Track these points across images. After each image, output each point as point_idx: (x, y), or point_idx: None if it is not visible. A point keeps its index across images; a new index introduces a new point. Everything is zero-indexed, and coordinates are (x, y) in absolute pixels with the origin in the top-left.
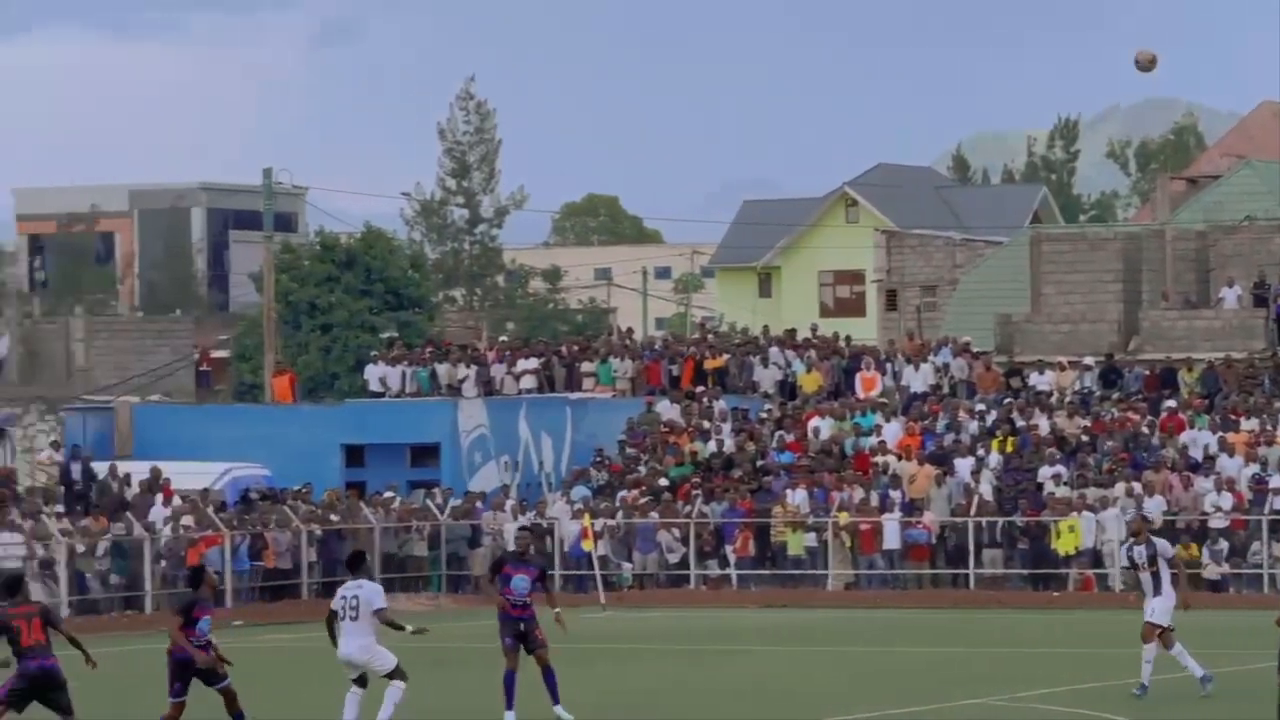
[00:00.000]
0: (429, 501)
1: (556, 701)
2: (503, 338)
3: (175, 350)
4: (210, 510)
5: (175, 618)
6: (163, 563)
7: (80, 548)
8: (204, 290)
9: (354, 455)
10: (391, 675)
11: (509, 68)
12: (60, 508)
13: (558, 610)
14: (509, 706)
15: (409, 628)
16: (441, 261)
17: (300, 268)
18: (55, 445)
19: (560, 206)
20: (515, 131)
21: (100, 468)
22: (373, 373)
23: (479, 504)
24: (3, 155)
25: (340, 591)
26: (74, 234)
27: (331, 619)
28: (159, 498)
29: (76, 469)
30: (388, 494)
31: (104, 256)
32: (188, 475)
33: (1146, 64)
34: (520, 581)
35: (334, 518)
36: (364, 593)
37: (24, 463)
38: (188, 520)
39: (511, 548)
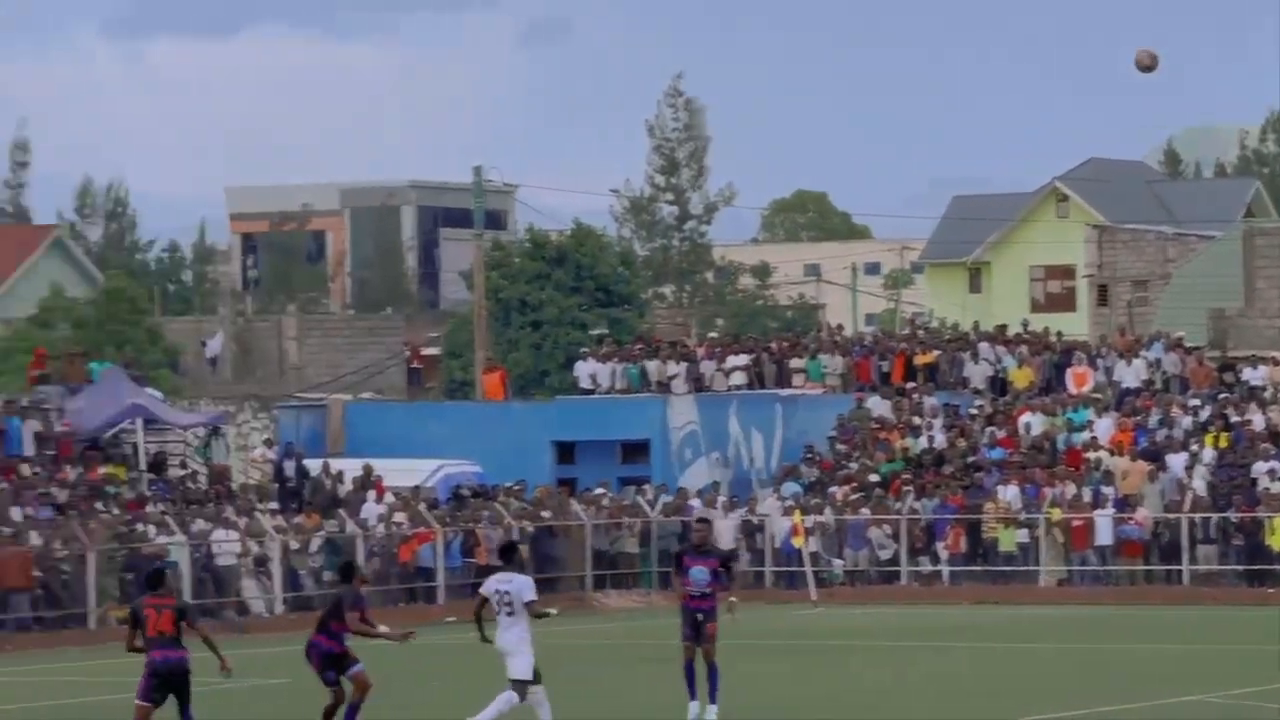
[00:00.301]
0: (639, 498)
1: (713, 702)
2: (712, 334)
3: (386, 348)
4: (422, 507)
5: (353, 613)
6: (375, 560)
7: (294, 545)
8: (414, 288)
9: (565, 452)
10: (517, 682)
11: (718, 64)
12: (274, 505)
13: (732, 599)
14: (691, 697)
15: (553, 611)
16: (651, 258)
17: (510, 265)
18: (268, 443)
19: (769, 203)
20: (724, 128)
21: (313, 465)
22: (583, 369)
23: (694, 501)
24: (215, 154)
25: (493, 584)
26: (286, 232)
27: (481, 606)
28: (371, 495)
29: (290, 466)
30: (598, 490)
31: (315, 255)
32: (399, 472)
33: (1147, 64)
34: (699, 573)
35: (545, 514)
36: (514, 586)
37: (238, 460)
38: (400, 517)
39: (725, 544)
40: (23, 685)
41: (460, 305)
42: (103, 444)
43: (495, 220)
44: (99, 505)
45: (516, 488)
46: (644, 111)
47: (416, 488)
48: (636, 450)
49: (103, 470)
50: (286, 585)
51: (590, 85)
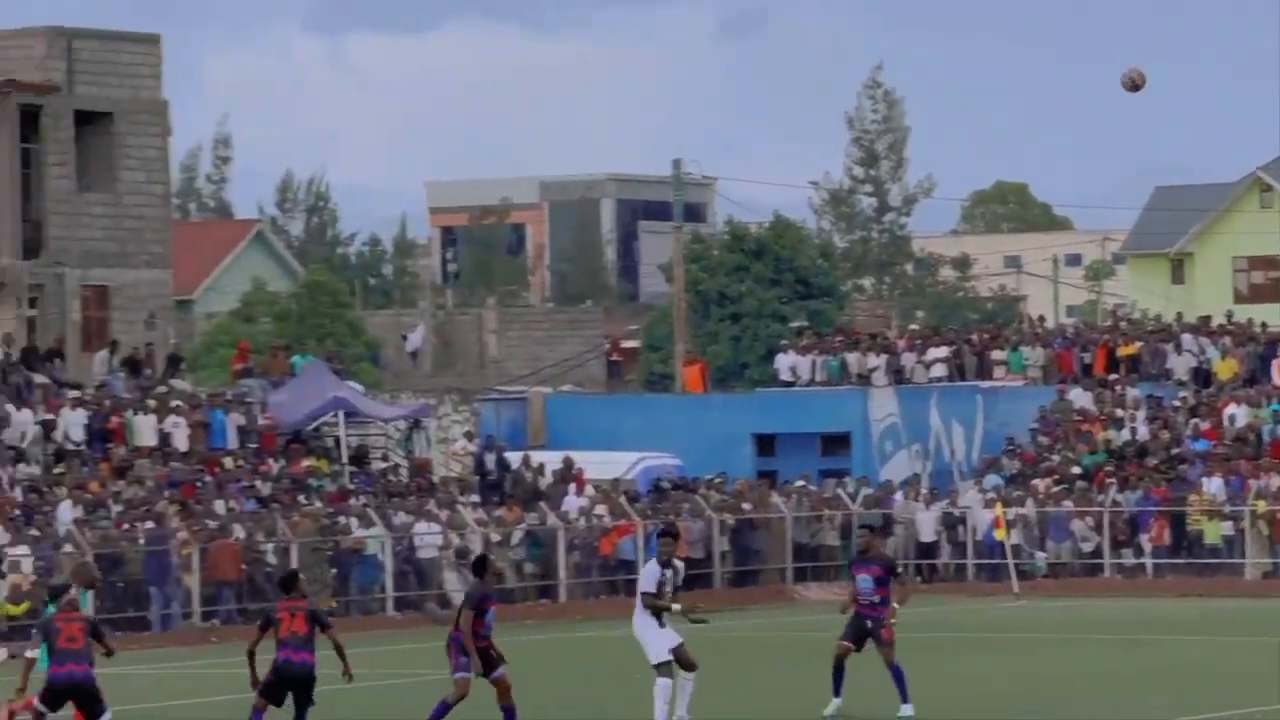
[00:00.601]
0: (840, 491)
1: (905, 701)
2: (913, 326)
3: (586, 341)
4: (623, 500)
5: (468, 611)
6: (576, 552)
7: (495, 537)
8: (614, 281)
9: (765, 444)
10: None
11: (917, 55)
12: (475, 498)
13: (895, 605)
14: (835, 694)
15: (675, 607)
16: (850, 250)
17: (710, 258)
18: (469, 436)
19: (969, 194)
20: (923, 119)
21: (514, 458)
22: (783, 362)
23: (896, 494)
24: (415, 149)
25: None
26: (485, 226)
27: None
28: (572, 487)
29: (491, 459)
30: (799, 483)
31: (515, 248)
32: (600, 465)
33: (1134, 83)
34: (864, 581)
35: (745, 507)
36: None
37: (439, 453)
38: (601, 510)
39: (926, 537)
40: (230, 677)
41: (659, 298)
42: (305, 437)
43: (694, 213)
44: (302, 498)
45: (717, 480)
46: (843, 103)
47: (616, 480)
48: (837, 443)
49: (305, 463)
50: None
51: (788, 77)
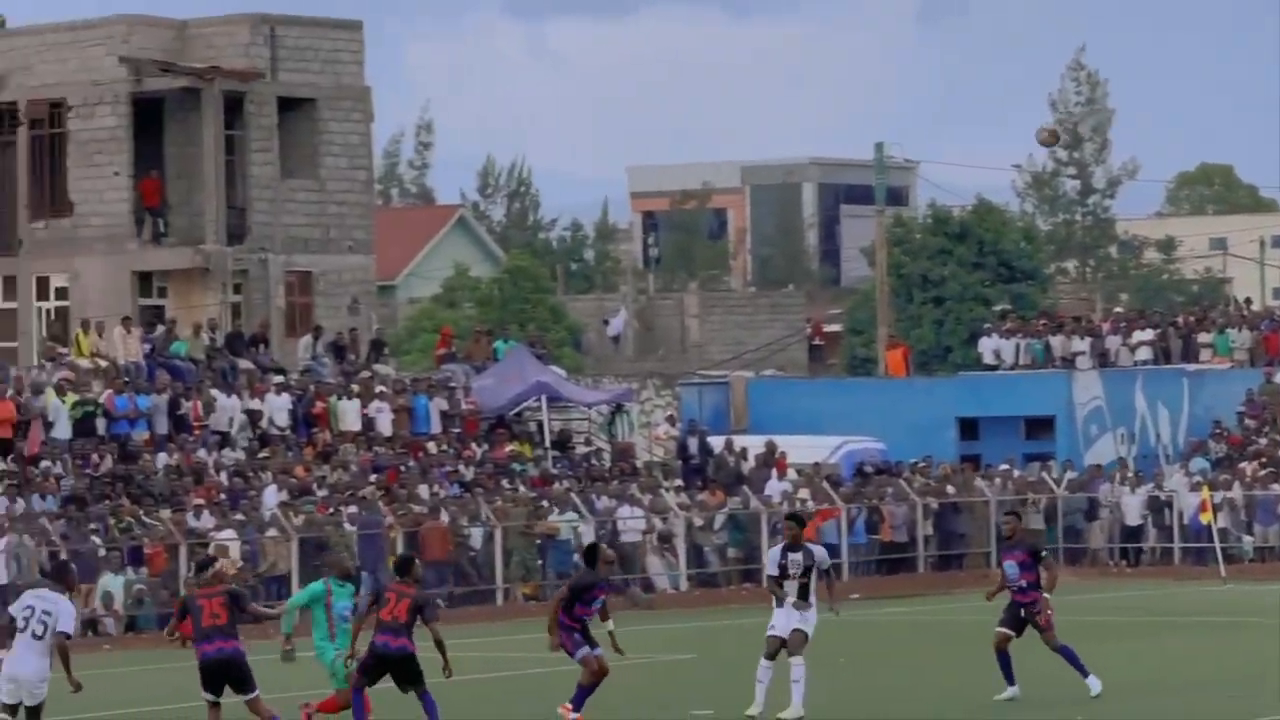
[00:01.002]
0: (1045, 474)
1: (1086, 675)
2: (1117, 309)
3: (787, 325)
4: (826, 484)
5: (563, 595)
6: (779, 536)
7: (698, 521)
8: (815, 265)
9: (968, 428)
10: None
11: (1120, 36)
12: (678, 482)
13: (1045, 596)
14: (1009, 682)
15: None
16: (1053, 233)
17: (912, 241)
18: (671, 420)
19: (1173, 176)
20: (1127, 101)
21: (716, 442)
22: (986, 345)
23: (1102, 480)
24: (616, 133)
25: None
26: (687, 210)
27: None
28: (774, 472)
29: (693, 443)
30: (1003, 467)
31: (716, 232)
32: (802, 449)
33: (1047, 140)
34: (1010, 567)
35: (950, 491)
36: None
37: (642, 438)
38: (804, 494)
39: (1131, 521)
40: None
41: (861, 282)
42: (508, 422)
43: (896, 196)
44: (505, 483)
45: (922, 464)
46: (1045, 85)
47: (818, 464)
48: (1041, 426)
49: (509, 448)
50: (691, 562)
51: (990, 59)
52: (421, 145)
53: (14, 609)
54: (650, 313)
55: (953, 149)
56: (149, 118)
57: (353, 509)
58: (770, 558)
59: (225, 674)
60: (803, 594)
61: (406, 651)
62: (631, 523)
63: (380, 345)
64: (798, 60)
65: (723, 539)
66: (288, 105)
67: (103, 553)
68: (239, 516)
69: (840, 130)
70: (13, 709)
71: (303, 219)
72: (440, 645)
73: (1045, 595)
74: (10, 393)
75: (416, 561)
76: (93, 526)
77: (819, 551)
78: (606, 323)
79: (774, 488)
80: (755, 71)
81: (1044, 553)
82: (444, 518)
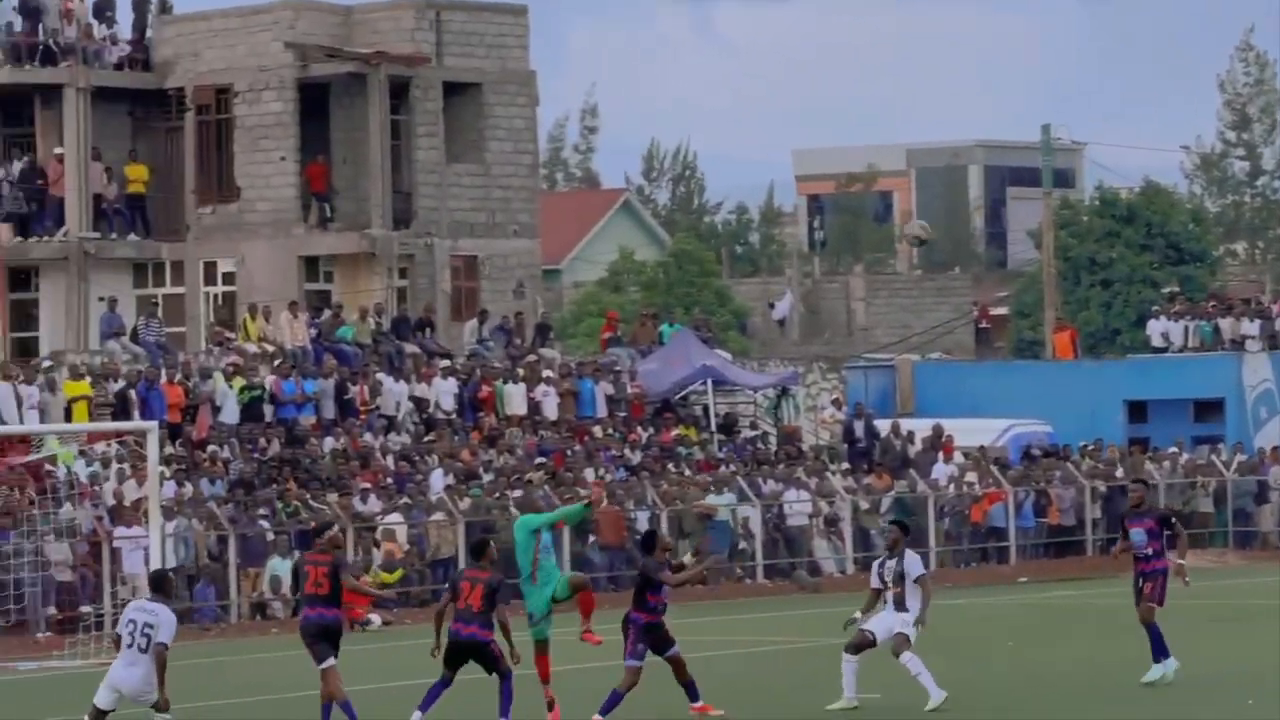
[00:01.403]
0: (1214, 457)
1: (1164, 658)
2: None
3: (954, 308)
4: (993, 467)
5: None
6: (945, 520)
7: (864, 505)
8: (982, 248)
9: (1136, 411)
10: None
11: None
12: (844, 465)
13: (1180, 563)
14: (1157, 658)
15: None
16: (1222, 215)
17: (1079, 224)
18: (837, 403)
19: None
20: None
21: (882, 425)
22: (1154, 328)
23: (1273, 463)
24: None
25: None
26: (852, 194)
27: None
28: (940, 455)
29: (859, 427)
30: (1171, 449)
31: (882, 215)
32: (969, 432)
33: (916, 238)
34: (1137, 534)
35: (1118, 474)
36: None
37: (808, 421)
38: (971, 477)
39: None
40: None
41: (1028, 264)
42: (674, 405)
43: (1063, 178)
44: (671, 467)
45: (1090, 447)
46: (1214, 66)
47: (983, 447)
48: (1210, 409)
49: (675, 432)
50: (857, 545)
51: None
52: (586, 129)
53: (120, 624)
54: (816, 296)
55: (1120, 131)
56: (315, 103)
57: (519, 493)
58: (874, 568)
59: (322, 637)
60: (898, 604)
61: (478, 639)
62: (798, 506)
63: (546, 329)
64: (963, 42)
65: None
66: (453, 90)
67: (270, 536)
68: (405, 500)
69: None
70: (103, 714)
71: (468, 203)
72: (505, 629)
73: (1180, 561)
74: (179, 377)
75: (491, 544)
76: (260, 510)
77: (911, 560)
78: (772, 306)
79: (940, 471)
80: (920, 53)
81: (1173, 519)
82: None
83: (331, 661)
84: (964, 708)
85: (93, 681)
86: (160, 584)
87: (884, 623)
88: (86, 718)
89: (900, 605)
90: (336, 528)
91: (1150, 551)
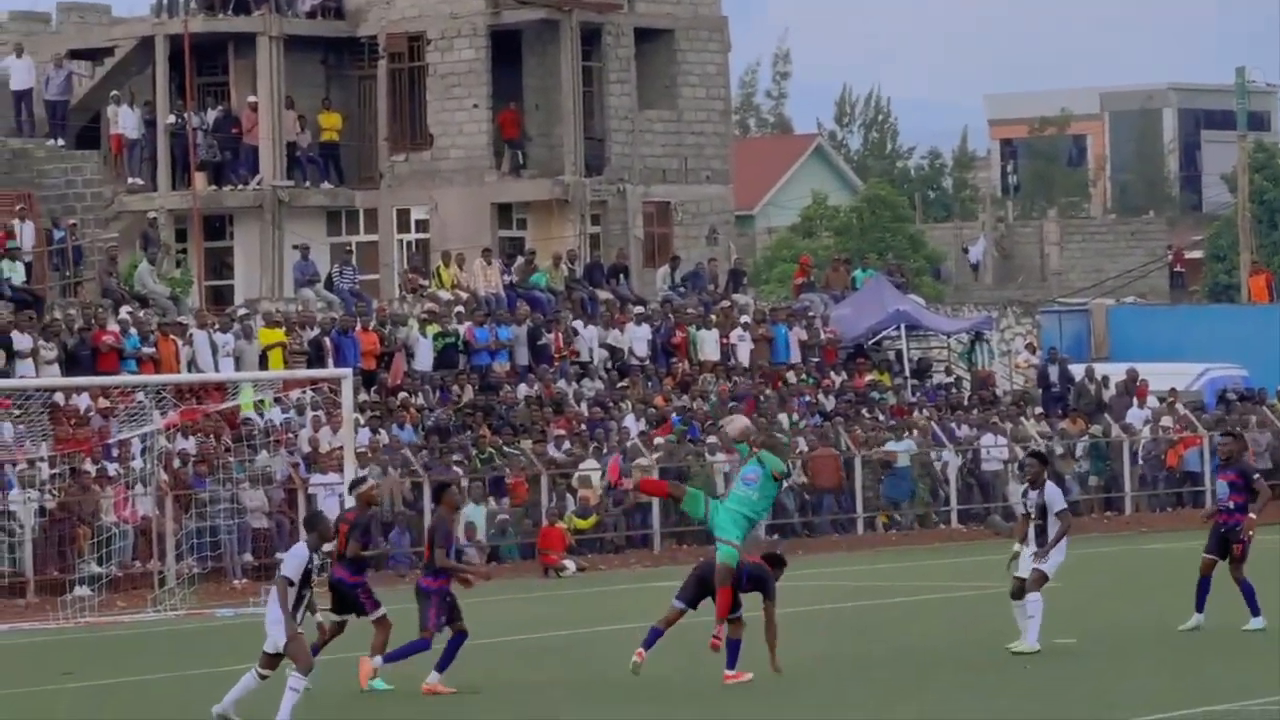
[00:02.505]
0: None
1: (1255, 614)
2: None
3: (1148, 252)
4: (1188, 411)
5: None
6: (1141, 464)
7: (1059, 449)
8: (1176, 191)
9: None
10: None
11: None
12: (1038, 410)
13: (1251, 517)
14: (1197, 610)
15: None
16: None
17: (1274, 167)
18: (1031, 348)
19: None
20: None
21: (1077, 370)
22: None
23: None
24: (973, 61)
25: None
26: (1045, 138)
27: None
28: (1135, 399)
29: (1054, 371)
30: None
31: (1075, 159)
32: (1164, 376)
33: (734, 438)
34: (1221, 487)
35: None
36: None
37: (1002, 366)
38: (1166, 421)
39: None
40: (813, 588)
41: (1223, 208)
42: (867, 351)
43: (1258, 122)
44: (864, 412)
45: None
46: None
47: (1173, 390)
48: None
49: (868, 377)
50: None
51: None
52: (779, 75)
53: None
54: (1009, 240)
55: None
56: (507, 50)
57: (711, 439)
58: (1019, 498)
59: (336, 603)
60: (1038, 535)
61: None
62: (993, 451)
63: (739, 275)
64: None
65: (1084, 467)
66: (645, 36)
67: (465, 483)
68: (598, 447)
69: (1200, 55)
70: (273, 658)
71: (660, 149)
72: (458, 571)
73: (1250, 515)
74: (373, 325)
75: (451, 487)
76: (454, 457)
77: (1053, 493)
78: (966, 251)
79: (1135, 415)
80: None
81: (1256, 474)
82: (802, 446)
83: (380, 612)
84: (1153, 652)
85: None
86: (310, 523)
87: (1027, 562)
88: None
89: (1041, 537)
90: (371, 482)
91: (1232, 505)
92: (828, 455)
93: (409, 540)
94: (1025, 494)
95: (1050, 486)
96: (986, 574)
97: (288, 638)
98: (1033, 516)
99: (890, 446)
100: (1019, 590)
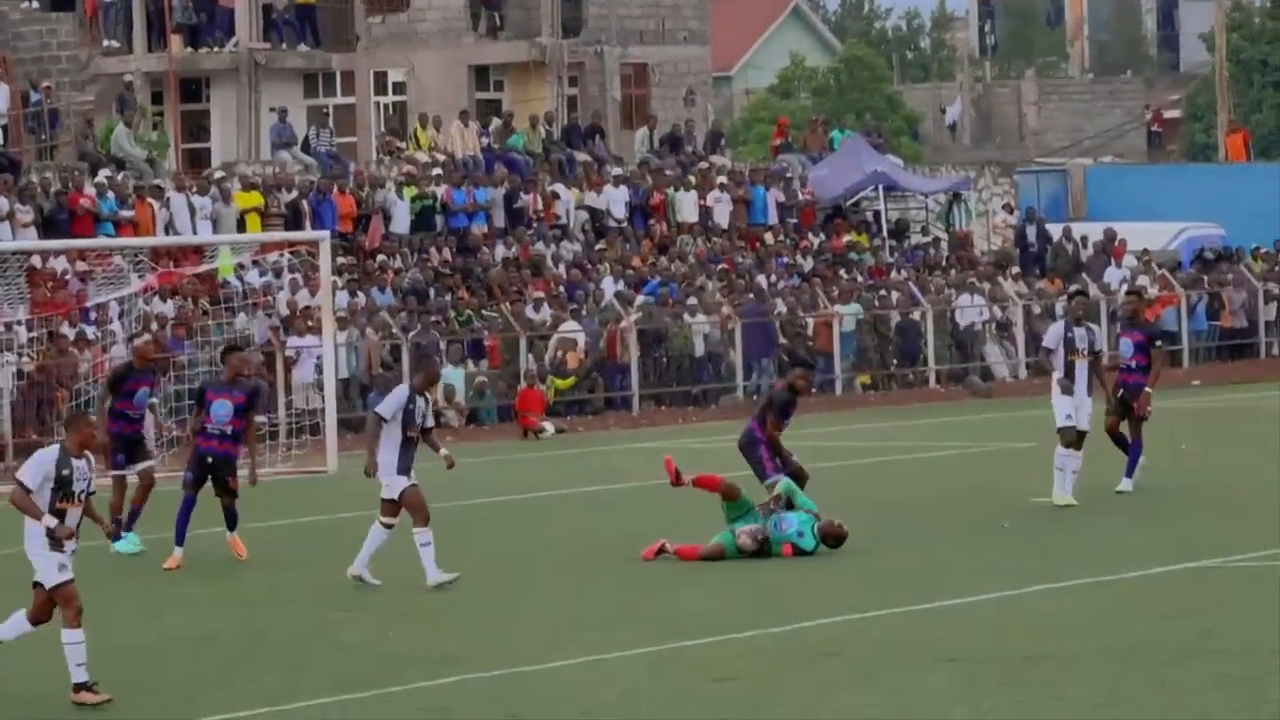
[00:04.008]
0: None
1: (1128, 475)
2: None
3: (1126, 112)
4: (1165, 271)
5: (775, 417)
6: (1118, 324)
7: (1036, 309)
8: (1153, 51)
9: None
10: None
11: None
12: (1016, 270)
13: (1147, 390)
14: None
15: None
16: None
17: (1251, 26)
18: (1009, 208)
19: None
20: None
21: (1054, 230)
22: None
23: None
24: None
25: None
26: None
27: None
28: (1113, 259)
29: (1031, 231)
30: None
31: (1053, 19)
32: (1141, 236)
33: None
34: (1125, 345)
35: None
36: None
37: (979, 226)
38: (1143, 280)
39: None
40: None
41: (1201, 67)
42: (845, 212)
43: None
44: (842, 273)
45: (1264, 250)
46: None
47: (1144, 250)
48: None
49: (846, 238)
50: (1029, 349)
51: None
52: None
53: None
54: (987, 100)
55: None
56: None
57: (691, 300)
58: (1054, 333)
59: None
60: (1090, 372)
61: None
62: (970, 311)
63: (717, 136)
64: None
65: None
66: None
67: (443, 345)
68: (577, 308)
69: None
70: (393, 505)
71: (637, 10)
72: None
73: (1147, 390)
74: (350, 187)
75: (237, 351)
76: (432, 319)
77: (1099, 332)
78: (943, 111)
79: (1113, 275)
80: None
81: (1159, 342)
82: (781, 308)
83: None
84: (1130, 510)
85: (276, 486)
86: (416, 364)
87: (1083, 409)
88: None
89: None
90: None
91: (1134, 364)
92: (822, 319)
93: None
94: (1070, 330)
95: (1093, 326)
96: (966, 434)
97: (401, 489)
98: (1084, 353)
99: (837, 309)
100: (1078, 440)
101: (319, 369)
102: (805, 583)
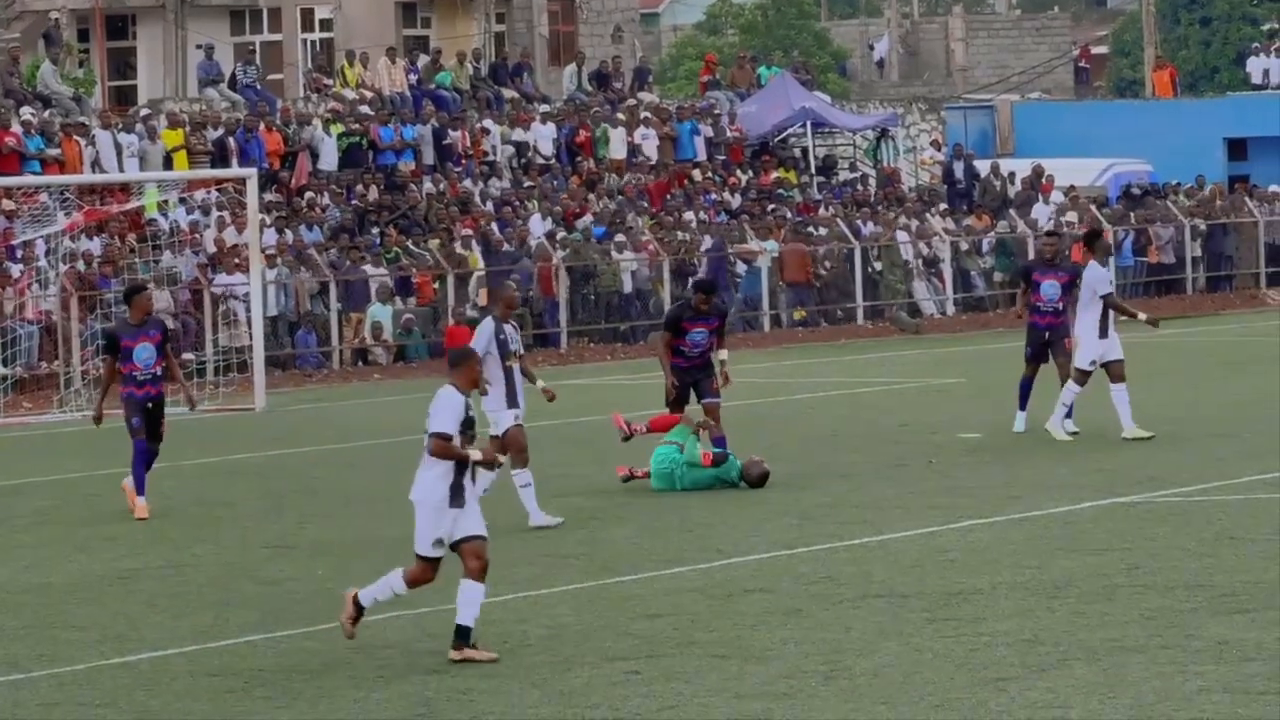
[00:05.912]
0: None
1: (1020, 409)
2: None
3: (1053, 48)
4: (1093, 206)
5: (665, 333)
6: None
7: (964, 246)
8: None
9: (1236, 149)
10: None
11: None
12: (944, 206)
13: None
14: (1020, 409)
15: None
16: None
17: None
18: (936, 145)
19: None
20: None
21: (982, 166)
22: (1254, 65)
23: None
24: None
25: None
26: None
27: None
28: (1040, 195)
29: (959, 168)
30: (1272, 188)
31: None
32: (1069, 172)
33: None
34: (1049, 287)
35: (1219, 210)
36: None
37: (907, 163)
38: (1070, 216)
39: None
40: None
41: (1128, 3)
42: (773, 148)
43: None
44: (771, 209)
45: (1191, 186)
46: None
47: (1072, 186)
48: None
49: (774, 175)
50: (958, 286)
51: None
52: None
53: None
54: (915, 37)
55: None
56: None
57: (619, 237)
58: (1101, 275)
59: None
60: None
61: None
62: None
63: (644, 73)
64: None
65: (989, 263)
66: None
67: (372, 284)
68: (506, 247)
69: None
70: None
71: None
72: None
73: (1075, 334)
74: (277, 124)
75: (142, 291)
76: (361, 256)
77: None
78: (871, 47)
79: (1040, 211)
80: None
81: (1078, 279)
82: (707, 244)
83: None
84: (1056, 446)
85: (203, 424)
86: (492, 293)
87: (1112, 348)
88: None
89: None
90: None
91: (1060, 306)
92: (797, 251)
93: (315, 341)
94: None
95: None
96: (894, 370)
97: (506, 427)
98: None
99: (752, 245)
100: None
101: (248, 307)
102: (733, 519)
